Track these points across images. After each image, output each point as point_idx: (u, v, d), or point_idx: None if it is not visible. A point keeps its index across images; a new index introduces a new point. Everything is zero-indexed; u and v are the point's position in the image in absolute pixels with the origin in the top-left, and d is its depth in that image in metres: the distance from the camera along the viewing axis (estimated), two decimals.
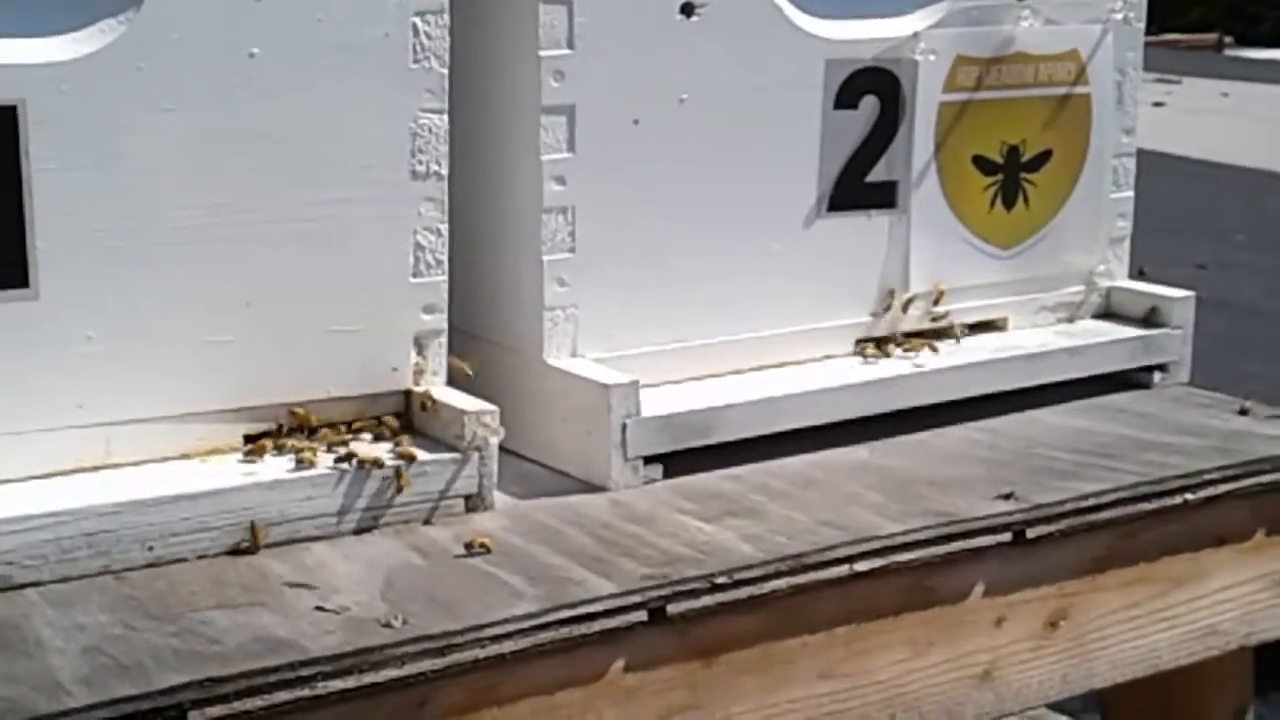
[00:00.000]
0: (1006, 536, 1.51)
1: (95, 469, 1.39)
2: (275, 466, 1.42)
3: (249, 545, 1.37)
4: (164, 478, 1.38)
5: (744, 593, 1.37)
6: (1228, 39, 12.54)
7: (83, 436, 1.38)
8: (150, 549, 1.33)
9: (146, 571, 1.32)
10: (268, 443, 1.45)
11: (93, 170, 1.35)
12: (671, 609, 1.33)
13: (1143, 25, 1.92)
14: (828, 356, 1.77)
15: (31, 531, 1.29)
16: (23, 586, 1.28)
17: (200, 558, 1.35)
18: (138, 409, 1.40)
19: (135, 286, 1.38)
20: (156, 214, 1.38)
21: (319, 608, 1.26)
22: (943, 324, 1.84)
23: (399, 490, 1.43)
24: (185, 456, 1.43)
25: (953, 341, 1.84)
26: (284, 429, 1.46)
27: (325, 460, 1.43)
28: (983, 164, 1.84)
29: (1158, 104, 6.47)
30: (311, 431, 1.47)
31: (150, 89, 1.36)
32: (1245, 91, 7.75)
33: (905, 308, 1.80)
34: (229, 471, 1.40)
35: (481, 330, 1.64)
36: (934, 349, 1.80)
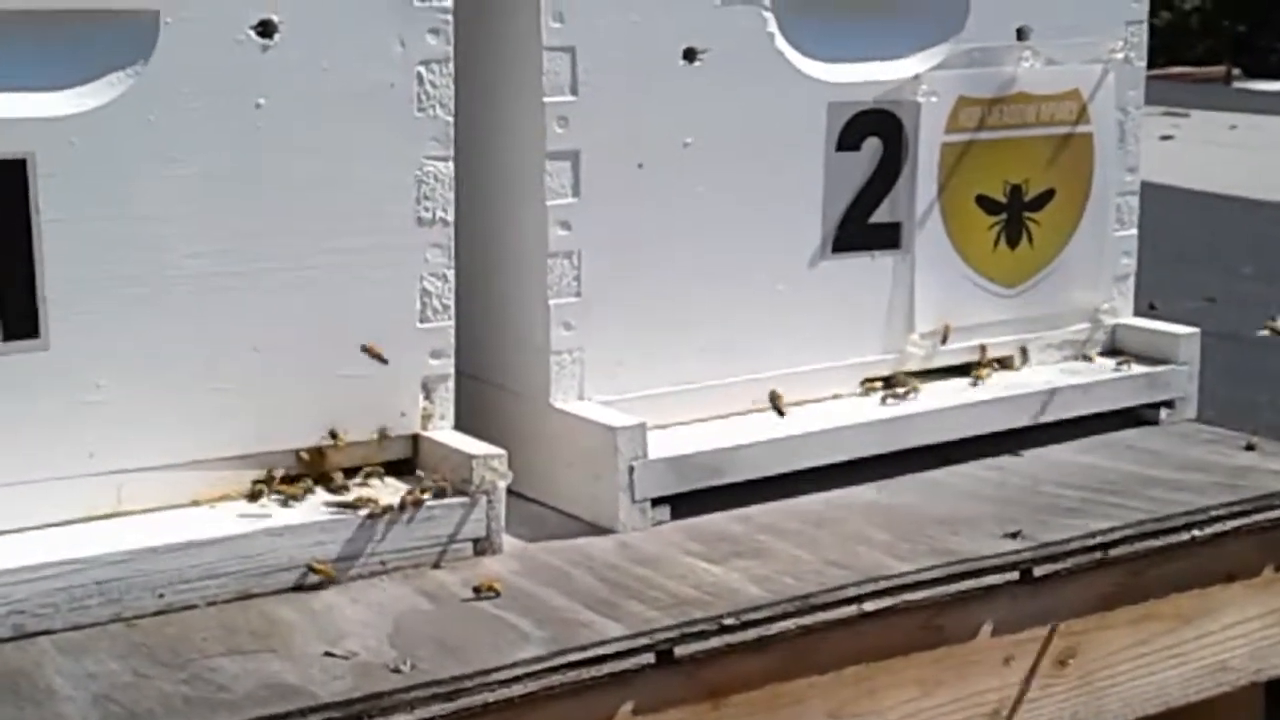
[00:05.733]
0: (1014, 575, 1.51)
1: (106, 517, 1.40)
2: (284, 512, 1.43)
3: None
4: (174, 525, 1.39)
5: (752, 634, 1.37)
6: (1236, 71, 12.56)
7: (93, 485, 1.39)
8: (161, 596, 1.34)
9: (157, 619, 1.33)
10: (277, 488, 1.46)
11: (102, 221, 1.36)
12: (680, 651, 1.34)
13: (1144, 64, 1.94)
14: (835, 396, 1.77)
15: (43, 580, 1.30)
16: (35, 635, 1.29)
17: (210, 604, 1.36)
18: (148, 456, 1.41)
19: (144, 335, 1.39)
20: (165, 263, 1.39)
21: (328, 653, 1.27)
22: (948, 363, 1.84)
23: (407, 534, 1.44)
24: (195, 503, 1.44)
25: (959, 380, 1.84)
26: (292, 475, 1.47)
27: (333, 505, 1.44)
28: (986, 204, 1.85)
29: (1166, 137, 6.48)
30: (320, 477, 1.48)
31: (159, 140, 1.37)
32: (1254, 124, 7.76)
33: (911, 347, 1.81)
34: (238, 518, 1.41)
35: (488, 374, 1.65)
36: (940, 388, 1.81)
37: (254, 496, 1.45)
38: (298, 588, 1.39)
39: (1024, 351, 1.90)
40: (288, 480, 1.47)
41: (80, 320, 1.36)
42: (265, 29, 1.40)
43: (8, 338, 1.34)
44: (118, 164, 1.36)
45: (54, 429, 1.37)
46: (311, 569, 1.39)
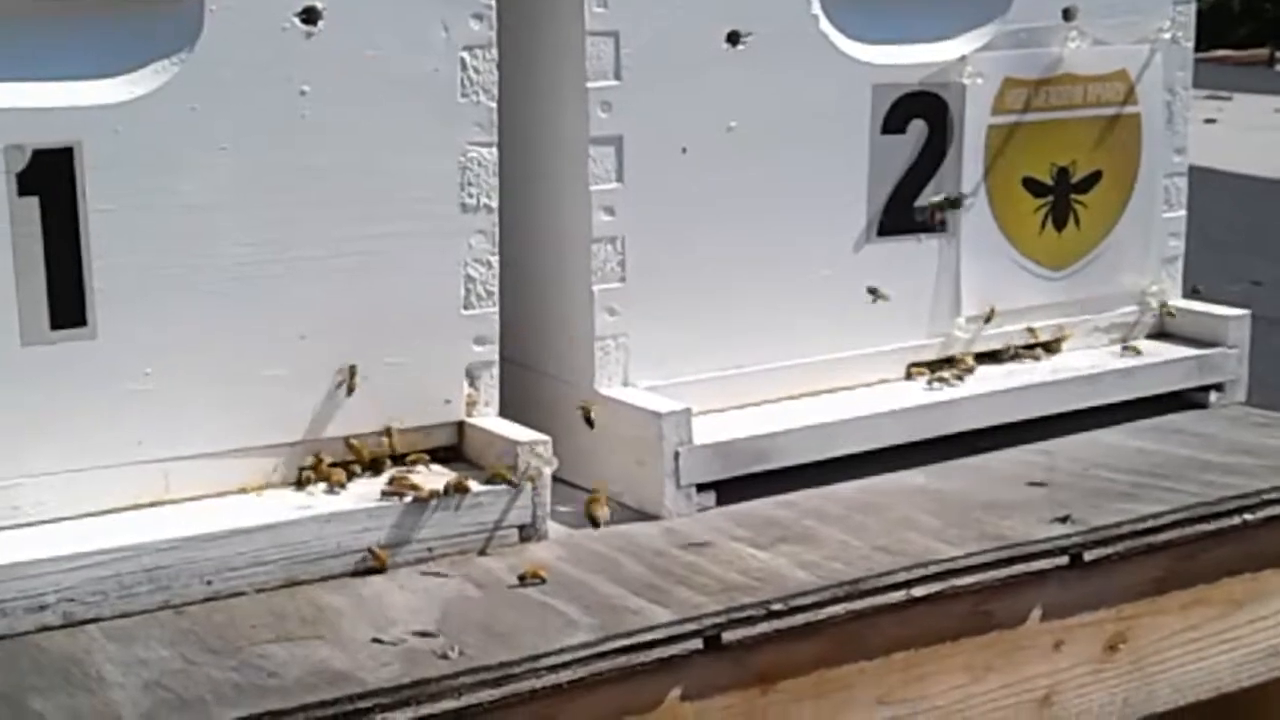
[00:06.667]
0: (1064, 560, 1.50)
1: (154, 505, 1.40)
2: (331, 499, 1.43)
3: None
4: (221, 512, 1.39)
5: (800, 620, 1.37)
6: (1278, 55, 12.44)
7: (141, 472, 1.40)
8: (209, 583, 1.34)
9: (205, 605, 1.33)
10: (324, 475, 1.46)
11: (148, 210, 1.36)
12: (728, 637, 1.33)
13: (1191, 44, 1.92)
14: (881, 381, 1.76)
15: (92, 568, 1.30)
16: (84, 622, 1.29)
17: (259, 591, 1.36)
18: (195, 444, 1.42)
19: (191, 323, 1.40)
20: (211, 251, 1.40)
21: (376, 640, 1.27)
22: (995, 347, 1.83)
23: (454, 520, 1.44)
24: (242, 491, 1.44)
25: (1006, 364, 1.83)
26: (339, 462, 1.47)
27: (379, 492, 1.44)
28: (1033, 186, 1.84)
29: (1209, 121, 6.43)
30: (366, 464, 1.48)
31: (204, 128, 1.37)
32: None
33: (957, 331, 1.80)
34: (285, 505, 1.41)
35: (533, 361, 1.64)
36: (987, 372, 1.80)
37: (301, 484, 1.46)
38: (353, 573, 1.39)
39: (1070, 335, 1.88)
40: (334, 467, 1.47)
41: (128, 309, 1.37)
42: (309, 16, 1.40)
43: (56, 327, 1.34)
44: (163, 152, 1.36)
45: (102, 417, 1.37)
46: (372, 552, 1.39)
